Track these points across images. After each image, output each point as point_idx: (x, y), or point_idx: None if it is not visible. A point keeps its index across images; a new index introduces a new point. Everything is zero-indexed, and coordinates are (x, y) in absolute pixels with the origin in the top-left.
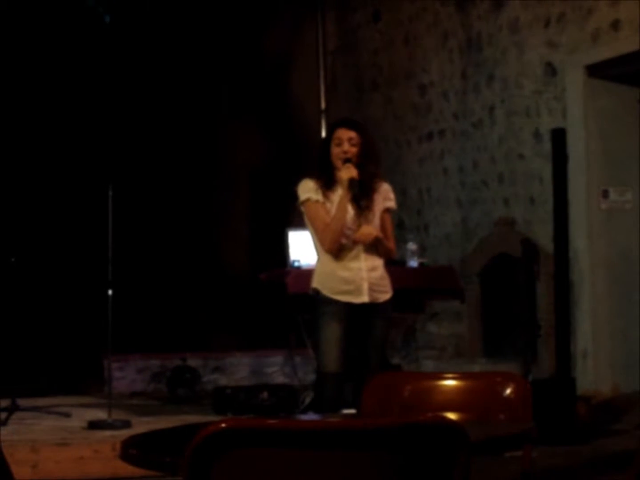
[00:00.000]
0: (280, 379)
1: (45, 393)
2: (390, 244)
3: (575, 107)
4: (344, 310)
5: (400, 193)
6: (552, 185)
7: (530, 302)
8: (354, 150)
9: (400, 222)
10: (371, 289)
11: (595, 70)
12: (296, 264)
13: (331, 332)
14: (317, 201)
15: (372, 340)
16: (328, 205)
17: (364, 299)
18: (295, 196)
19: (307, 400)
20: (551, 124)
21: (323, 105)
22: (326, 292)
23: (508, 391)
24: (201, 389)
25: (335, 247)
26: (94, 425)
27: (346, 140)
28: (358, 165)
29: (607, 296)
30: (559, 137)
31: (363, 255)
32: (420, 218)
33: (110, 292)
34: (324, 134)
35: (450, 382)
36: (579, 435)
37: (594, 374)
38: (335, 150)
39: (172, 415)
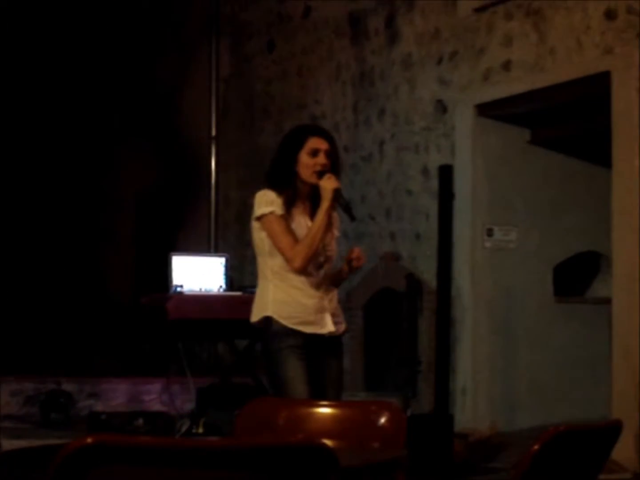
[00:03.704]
0: (157, 407)
1: None
2: None
3: (463, 145)
4: (305, 343)
5: None
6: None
7: (412, 338)
8: (328, 163)
9: None
10: (333, 320)
11: (485, 110)
12: (178, 289)
13: (295, 369)
14: (282, 215)
15: (330, 375)
16: (291, 222)
17: (330, 328)
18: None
19: (184, 428)
20: (440, 161)
21: (214, 132)
22: (285, 322)
23: (382, 420)
24: (76, 414)
25: (308, 264)
26: None
27: (323, 152)
28: None
29: (488, 334)
30: (445, 174)
31: (324, 283)
32: None
33: None
34: (214, 160)
35: (325, 410)
36: (455, 472)
37: (473, 411)
38: (309, 162)
39: (44, 439)
